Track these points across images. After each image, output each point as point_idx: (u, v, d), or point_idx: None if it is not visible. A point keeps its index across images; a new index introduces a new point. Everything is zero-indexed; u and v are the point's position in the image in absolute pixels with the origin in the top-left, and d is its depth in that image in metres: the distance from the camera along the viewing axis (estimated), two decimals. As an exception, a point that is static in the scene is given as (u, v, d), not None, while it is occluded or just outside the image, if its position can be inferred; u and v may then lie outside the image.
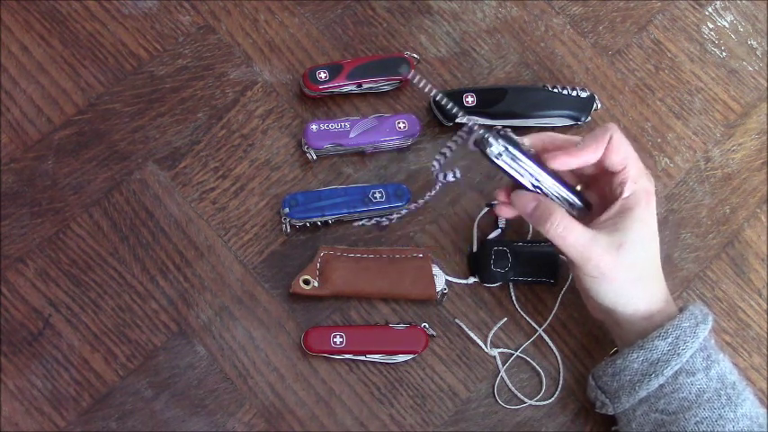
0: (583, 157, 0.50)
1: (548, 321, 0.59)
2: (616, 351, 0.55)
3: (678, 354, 0.49)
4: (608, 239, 0.49)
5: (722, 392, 0.49)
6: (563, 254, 0.51)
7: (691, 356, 0.49)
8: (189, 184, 0.59)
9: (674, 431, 0.49)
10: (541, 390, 0.58)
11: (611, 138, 0.50)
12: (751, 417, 0.49)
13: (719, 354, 0.51)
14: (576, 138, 0.52)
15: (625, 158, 0.50)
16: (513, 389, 0.58)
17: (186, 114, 0.61)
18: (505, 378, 0.58)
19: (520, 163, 0.48)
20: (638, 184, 0.50)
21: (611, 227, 0.49)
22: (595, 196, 0.54)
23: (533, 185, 0.50)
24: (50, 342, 0.54)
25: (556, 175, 0.51)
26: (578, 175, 0.55)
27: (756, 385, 0.60)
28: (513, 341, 0.59)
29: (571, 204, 0.52)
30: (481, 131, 0.47)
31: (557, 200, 0.51)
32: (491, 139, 0.47)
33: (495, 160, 0.48)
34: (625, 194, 0.50)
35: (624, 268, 0.49)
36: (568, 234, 0.49)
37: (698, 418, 0.49)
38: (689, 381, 0.49)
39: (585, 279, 0.51)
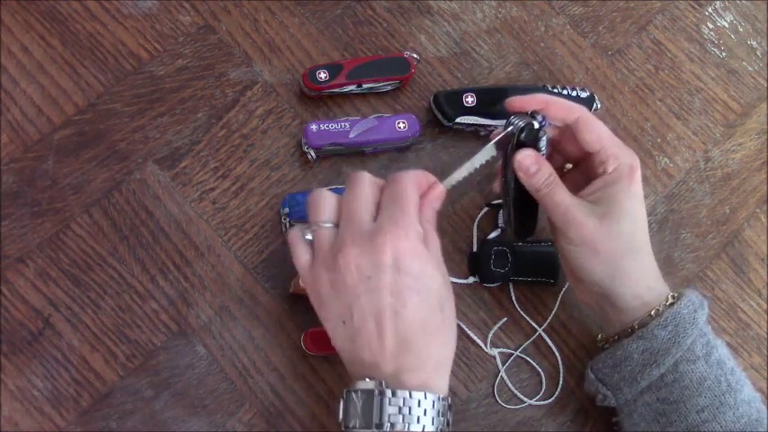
0: (546, 105, 0.51)
1: (548, 321, 0.59)
2: (604, 340, 0.55)
3: (678, 342, 0.49)
4: (590, 208, 0.50)
5: (722, 379, 0.49)
6: (548, 217, 0.52)
7: (691, 344, 0.49)
8: (189, 184, 0.59)
9: (676, 420, 0.49)
10: (541, 390, 0.58)
11: (579, 117, 0.51)
12: (749, 402, 0.50)
13: (717, 339, 0.51)
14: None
15: (599, 138, 0.51)
16: (512, 389, 0.58)
17: (186, 114, 0.61)
18: (505, 378, 0.58)
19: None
20: (620, 159, 0.51)
21: (596, 200, 0.50)
22: (581, 178, 0.54)
23: (506, 178, 0.53)
24: (50, 342, 0.54)
25: (528, 199, 0.53)
26: (565, 155, 0.55)
27: (756, 385, 0.60)
28: (513, 341, 0.59)
29: (507, 220, 0.55)
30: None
31: (507, 205, 0.54)
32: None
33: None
34: (608, 171, 0.51)
35: (609, 238, 0.49)
36: (554, 193, 0.50)
37: (699, 407, 0.49)
38: (689, 368, 0.49)
39: (570, 250, 0.51)
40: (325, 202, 0.48)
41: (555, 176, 0.50)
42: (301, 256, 0.48)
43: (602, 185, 0.51)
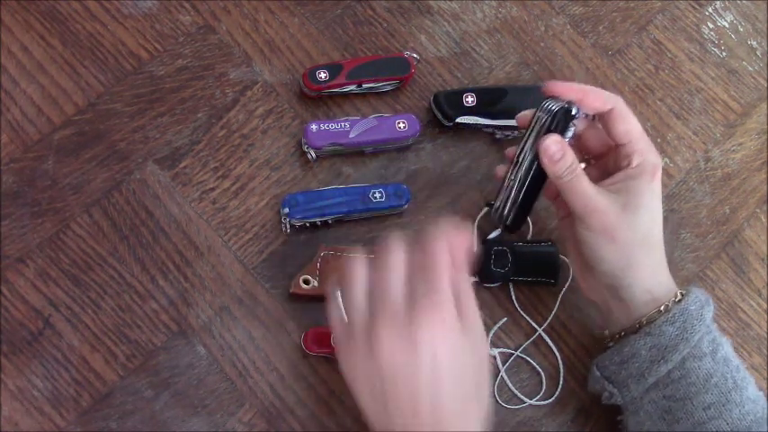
0: (584, 95, 0.51)
1: (548, 321, 0.59)
2: (609, 337, 0.54)
3: (686, 338, 0.49)
4: (613, 197, 0.50)
5: (728, 376, 0.49)
6: (563, 206, 0.52)
7: (698, 340, 0.49)
8: (189, 184, 0.59)
9: (682, 417, 0.49)
10: (541, 390, 0.58)
11: (615, 107, 0.51)
12: (754, 400, 0.50)
13: (723, 337, 0.51)
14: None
15: (629, 131, 0.51)
16: (513, 389, 0.58)
17: (186, 114, 0.61)
18: (505, 378, 0.58)
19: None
20: (645, 156, 0.51)
21: (616, 190, 0.51)
22: (598, 173, 0.54)
23: (519, 161, 0.52)
24: (50, 342, 0.54)
25: (535, 188, 0.52)
26: (585, 150, 0.55)
27: (757, 385, 0.60)
28: (513, 341, 0.59)
29: (507, 211, 0.53)
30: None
31: (508, 190, 0.53)
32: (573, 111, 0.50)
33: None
34: (632, 165, 0.51)
35: (628, 228, 0.50)
36: (579, 181, 0.50)
37: (705, 404, 0.49)
38: (696, 365, 0.49)
39: (587, 236, 0.51)
40: (356, 273, 0.46)
41: (577, 164, 0.50)
42: (337, 323, 0.47)
43: (623, 178, 0.51)
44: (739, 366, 0.51)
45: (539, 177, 0.52)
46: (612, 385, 0.52)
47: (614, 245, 0.50)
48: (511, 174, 0.53)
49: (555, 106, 0.50)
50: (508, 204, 0.54)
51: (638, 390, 0.51)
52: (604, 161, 0.55)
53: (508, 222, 0.54)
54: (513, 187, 0.53)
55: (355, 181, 0.61)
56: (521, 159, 0.52)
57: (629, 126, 0.52)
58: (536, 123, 0.51)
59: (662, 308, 0.51)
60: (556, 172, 0.50)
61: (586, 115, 0.52)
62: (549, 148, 0.49)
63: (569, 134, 0.51)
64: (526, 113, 0.53)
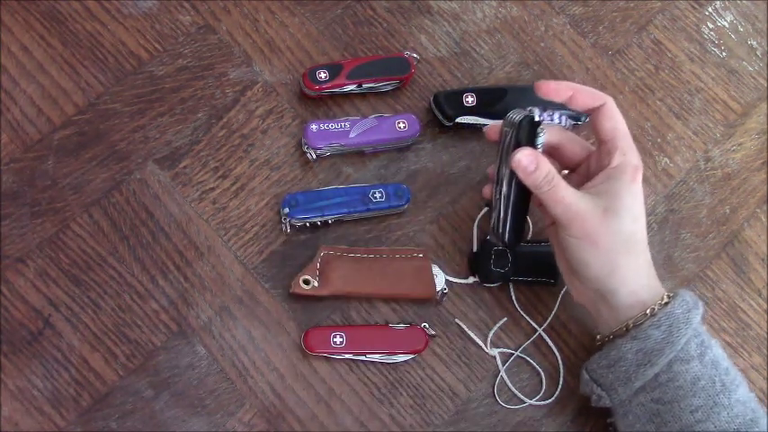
0: (574, 92, 0.51)
1: (548, 321, 0.59)
2: (601, 340, 0.54)
3: (672, 342, 0.49)
4: (594, 202, 0.50)
5: (716, 379, 0.49)
6: (548, 213, 0.52)
7: (685, 344, 0.49)
8: (189, 184, 0.59)
9: (670, 420, 0.49)
10: (541, 390, 0.58)
11: (604, 104, 0.52)
12: (744, 402, 0.50)
13: (712, 339, 0.51)
14: (586, 142, 0.55)
15: (615, 129, 0.52)
16: (513, 389, 0.58)
17: (186, 114, 0.61)
18: (505, 378, 0.58)
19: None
20: (626, 156, 0.51)
21: (596, 193, 0.51)
22: (579, 179, 0.54)
23: (499, 178, 0.52)
24: (50, 342, 0.54)
25: (521, 200, 0.52)
26: (564, 160, 0.55)
27: (756, 385, 0.60)
28: (513, 341, 0.59)
29: (502, 229, 0.53)
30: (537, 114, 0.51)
31: (497, 208, 0.53)
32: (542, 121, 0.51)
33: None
34: (612, 164, 0.51)
35: (609, 233, 0.50)
36: (557, 189, 0.49)
37: (693, 407, 0.49)
38: (684, 368, 0.49)
39: (570, 242, 0.51)
40: None
41: (554, 172, 0.50)
42: None
43: (604, 179, 0.51)
44: (729, 369, 0.50)
45: (522, 190, 0.51)
46: (601, 388, 0.52)
47: (597, 250, 0.50)
48: (495, 192, 0.53)
49: (518, 117, 0.50)
50: (501, 222, 0.53)
51: (626, 393, 0.51)
52: (586, 165, 0.54)
53: (506, 240, 0.54)
54: (500, 205, 0.52)
55: (355, 181, 0.61)
56: (500, 176, 0.52)
57: (616, 124, 0.52)
58: (504, 138, 0.51)
59: (648, 311, 0.50)
60: (533, 183, 0.50)
61: (578, 119, 0.52)
62: (521, 161, 0.49)
63: (540, 141, 0.50)
64: (493, 127, 0.53)
